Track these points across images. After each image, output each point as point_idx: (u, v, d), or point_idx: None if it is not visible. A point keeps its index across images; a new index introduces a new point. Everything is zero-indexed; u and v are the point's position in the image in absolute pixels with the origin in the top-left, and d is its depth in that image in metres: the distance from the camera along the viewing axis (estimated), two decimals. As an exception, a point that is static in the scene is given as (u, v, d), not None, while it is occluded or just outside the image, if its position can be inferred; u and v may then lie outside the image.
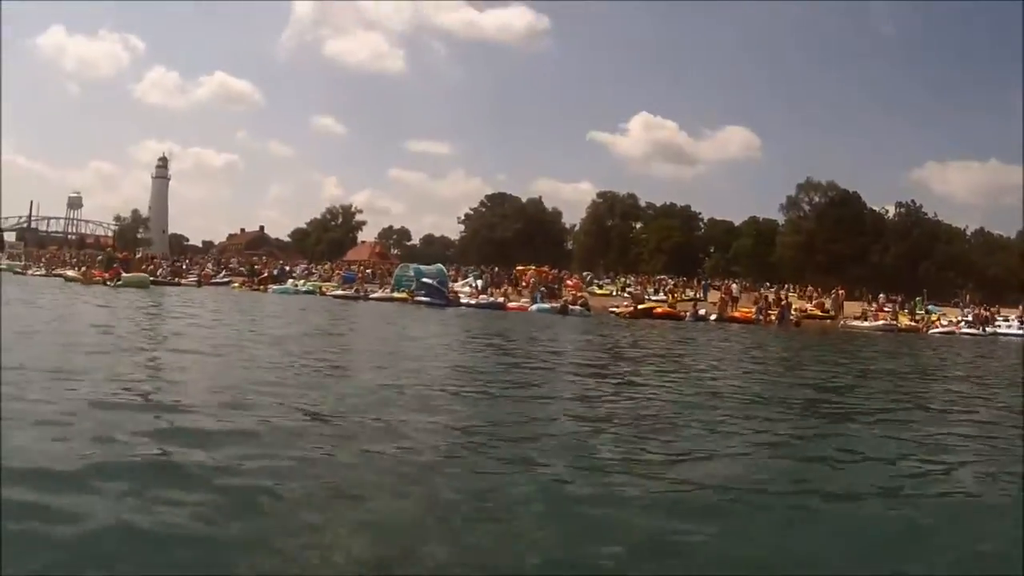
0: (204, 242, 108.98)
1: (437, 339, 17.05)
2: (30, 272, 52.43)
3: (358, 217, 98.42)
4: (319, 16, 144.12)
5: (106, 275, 39.45)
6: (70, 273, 43.88)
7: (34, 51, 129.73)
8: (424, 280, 38.31)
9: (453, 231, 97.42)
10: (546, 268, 52.38)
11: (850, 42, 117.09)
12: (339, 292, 41.70)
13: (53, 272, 49.58)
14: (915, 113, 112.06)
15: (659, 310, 35.25)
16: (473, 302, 37.32)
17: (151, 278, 44.47)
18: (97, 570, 3.04)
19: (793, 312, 37.08)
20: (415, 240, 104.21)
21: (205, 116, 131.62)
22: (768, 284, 49.90)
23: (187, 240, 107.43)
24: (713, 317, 35.36)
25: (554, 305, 36.71)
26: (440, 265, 45.69)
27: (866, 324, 36.36)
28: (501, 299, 38.43)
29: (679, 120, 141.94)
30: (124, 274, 39.10)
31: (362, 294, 40.75)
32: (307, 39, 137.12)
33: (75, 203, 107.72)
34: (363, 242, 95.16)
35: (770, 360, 17.03)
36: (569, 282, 45.85)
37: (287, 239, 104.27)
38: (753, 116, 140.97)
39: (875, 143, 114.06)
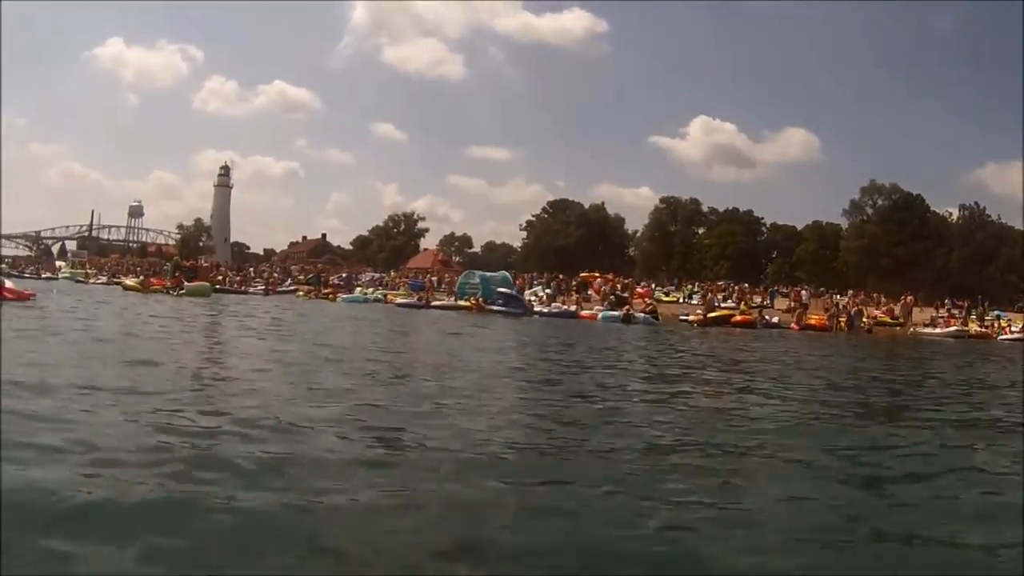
0: (265, 250, 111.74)
1: (578, 355, 15.46)
2: (92, 281, 53.46)
3: (420, 225, 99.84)
4: (376, 24, 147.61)
5: (167, 284, 40.06)
6: (128, 282, 44.55)
7: (93, 62, 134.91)
8: (501, 290, 39.09)
9: (513, 237, 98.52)
10: (611, 275, 53.29)
11: (908, 42, 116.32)
12: (402, 300, 41.99)
13: (113, 280, 50.86)
14: (974, 113, 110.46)
15: (737, 318, 35.68)
16: (546, 310, 37.81)
17: (218, 286, 45.54)
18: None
19: (864, 319, 37.52)
20: (476, 247, 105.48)
21: (264, 125, 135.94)
22: (828, 290, 50.28)
23: (248, 248, 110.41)
24: (792, 324, 35.74)
25: (618, 314, 36.48)
26: (505, 272, 46.33)
27: (937, 331, 36.42)
28: (574, 307, 39.07)
29: (738, 123, 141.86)
30: (187, 283, 39.50)
31: (424, 302, 40.76)
32: (365, 47, 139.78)
33: (136, 212, 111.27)
34: (425, 249, 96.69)
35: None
36: (640, 290, 46.56)
37: (349, 247, 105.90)
38: (812, 117, 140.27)
39: (934, 144, 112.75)
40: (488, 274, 43.80)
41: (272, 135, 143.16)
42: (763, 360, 17.00)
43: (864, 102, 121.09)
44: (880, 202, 70.36)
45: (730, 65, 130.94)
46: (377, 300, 43.69)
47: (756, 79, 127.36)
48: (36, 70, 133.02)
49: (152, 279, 44.81)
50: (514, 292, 39.17)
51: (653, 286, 52.78)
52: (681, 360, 15.77)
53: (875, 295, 44.54)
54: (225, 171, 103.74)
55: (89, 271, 62.22)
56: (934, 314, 40.40)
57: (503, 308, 36.64)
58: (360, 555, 3.56)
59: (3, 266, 62.21)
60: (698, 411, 8.41)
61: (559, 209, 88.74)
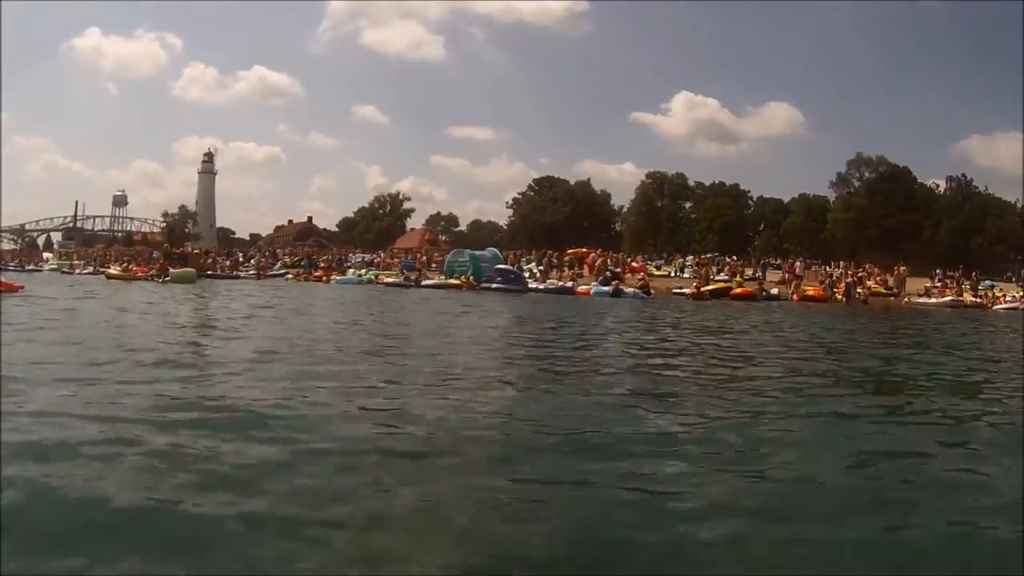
0: (251, 235, 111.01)
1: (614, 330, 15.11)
2: (77, 271, 52.81)
3: (406, 205, 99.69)
4: (355, 7, 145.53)
5: (152, 271, 39.89)
6: (112, 270, 43.76)
7: (71, 54, 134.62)
8: (500, 267, 38.96)
9: (498, 215, 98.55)
10: (599, 251, 53.21)
11: (889, 15, 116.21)
12: (391, 280, 41.98)
13: (100, 270, 49.50)
14: (956, 86, 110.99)
15: (736, 290, 35.62)
16: (541, 287, 37.68)
17: (209, 272, 45.48)
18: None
19: (859, 290, 37.60)
20: (462, 226, 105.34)
21: (245, 110, 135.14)
22: (816, 262, 50.37)
23: (233, 233, 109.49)
24: (792, 295, 35.88)
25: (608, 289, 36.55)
26: (494, 249, 46.13)
27: (932, 301, 36.57)
28: (570, 283, 38.93)
29: (720, 98, 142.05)
30: (172, 270, 38.84)
31: (415, 282, 40.68)
32: (344, 30, 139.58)
33: (120, 201, 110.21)
34: (412, 229, 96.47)
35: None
36: (634, 264, 46.50)
37: (335, 229, 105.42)
38: (795, 91, 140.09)
39: (917, 117, 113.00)
40: (477, 252, 43.76)
41: (253, 121, 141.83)
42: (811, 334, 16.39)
43: (846, 76, 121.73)
44: (867, 174, 70.76)
45: (711, 41, 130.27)
46: (370, 281, 43.34)
47: (738, 54, 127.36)
48: (15, 64, 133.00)
49: (135, 267, 44.75)
50: (514, 269, 38.93)
51: (647, 261, 52.44)
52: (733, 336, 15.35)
53: (867, 266, 44.37)
54: (209, 158, 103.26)
55: (76, 262, 61.55)
56: (928, 284, 40.40)
57: (502, 286, 36.43)
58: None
59: None
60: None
61: (545, 186, 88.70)
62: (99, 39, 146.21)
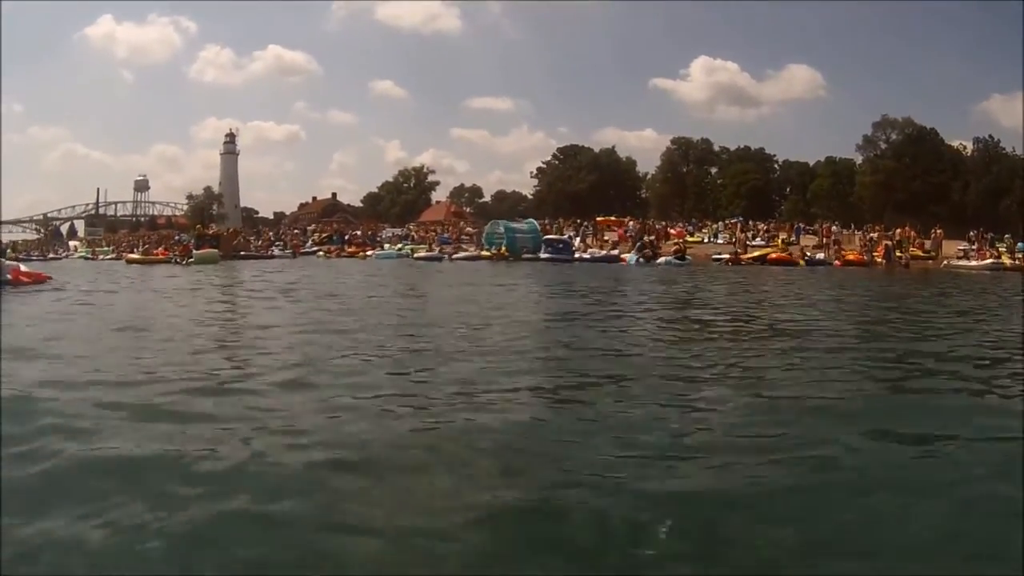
0: (275, 213, 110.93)
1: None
2: (100, 258, 53.75)
3: (431, 178, 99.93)
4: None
5: (173, 254, 40.53)
6: (133, 255, 44.56)
7: (84, 42, 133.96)
8: (549, 237, 39.70)
9: (519, 185, 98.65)
10: (630, 219, 53.78)
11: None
12: (423, 254, 42.66)
13: (123, 254, 50.40)
14: (977, 45, 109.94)
15: (773, 256, 36.05)
16: (587, 256, 38.38)
17: (242, 252, 46.63)
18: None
19: (898, 253, 37.80)
20: (486, 197, 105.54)
21: (262, 90, 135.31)
22: (852, 226, 50.36)
23: (257, 213, 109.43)
24: (835, 260, 36.15)
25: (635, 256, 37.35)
26: (532, 221, 46.84)
27: (972, 264, 36.02)
28: (615, 252, 39.44)
29: (740, 61, 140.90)
30: (195, 252, 39.46)
31: (448, 255, 41.44)
32: (358, 6, 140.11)
33: (142, 186, 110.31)
34: (437, 202, 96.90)
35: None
36: (672, 231, 46.98)
37: (359, 204, 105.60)
38: (813, 54, 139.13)
39: (939, 78, 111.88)
40: (513, 223, 44.38)
41: (271, 100, 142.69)
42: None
43: (864, 37, 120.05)
44: (894, 136, 70.53)
45: (728, 4, 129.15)
46: (408, 255, 43.88)
47: (755, 17, 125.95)
48: (29, 55, 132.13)
49: (155, 251, 45.37)
50: (564, 239, 39.64)
51: (683, 226, 52.84)
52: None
53: (903, 228, 44.31)
54: (231, 138, 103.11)
55: (100, 248, 62.47)
56: (964, 247, 40.30)
57: (552, 256, 37.10)
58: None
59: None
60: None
61: (569, 155, 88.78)
62: (112, 26, 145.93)
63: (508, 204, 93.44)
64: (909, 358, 7.66)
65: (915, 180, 65.56)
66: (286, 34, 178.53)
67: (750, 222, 52.19)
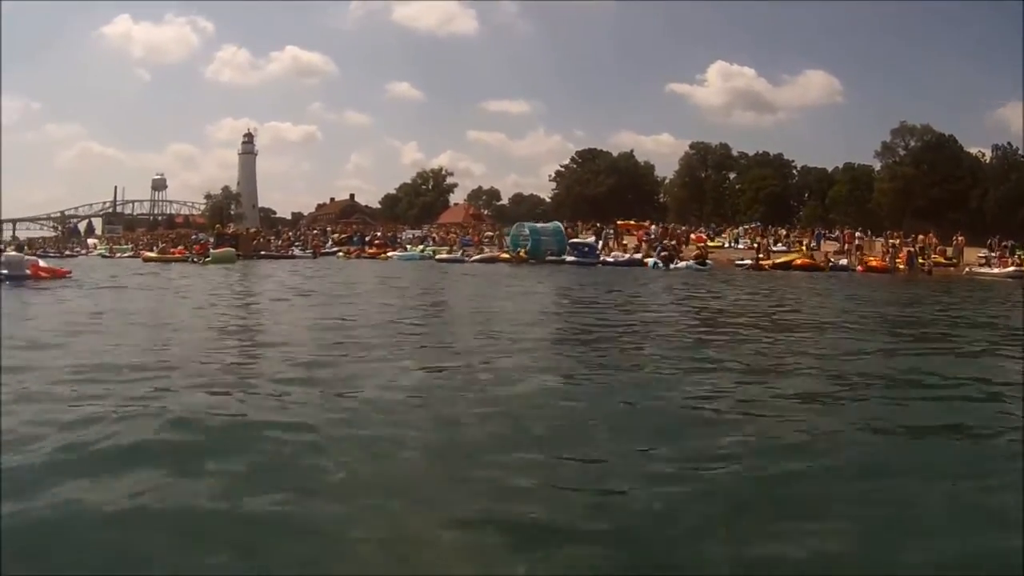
0: (293, 214, 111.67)
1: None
2: (118, 255, 54.02)
3: (449, 180, 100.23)
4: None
5: (191, 252, 40.66)
6: (149, 253, 44.89)
7: (101, 41, 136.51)
8: (575, 241, 40.08)
9: (535, 189, 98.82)
10: (649, 222, 54.13)
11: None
12: (444, 256, 42.96)
13: (139, 253, 50.36)
14: (992, 52, 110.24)
15: (801, 261, 36.27)
16: (611, 259, 38.56)
17: (263, 252, 46.79)
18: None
19: (920, 260, 38.00)
20: (504, 200, 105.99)
21: (279, 91, 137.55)
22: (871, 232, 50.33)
23: (274, 213, 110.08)
24: (858, 267, 36.33)
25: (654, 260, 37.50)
26: (557, 223, 47.11)
27: (994, 271, 35.83)
28: (638, 255, 39.72)
29: (756, 67, 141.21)
30: (212, 251, 39.78)
31: (468, 257, 41.97)
32: (375, 7, 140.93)
33: (159, 184, 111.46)
34: (455, 204, 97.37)
35: None
36: (693, 236, 47.30)
37: (376, 206, 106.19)
38: (830, 60, 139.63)
39: (953, 84, 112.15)
40: (539, 225, 44.78)
41: (288, 100, 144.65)
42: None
43: (879, 43, 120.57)
44: (912, 143, 70.42)
45: (745, 9, 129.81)
46: (430, 257, 44.17)
47: (771, 23, 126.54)
48: (46, 54, 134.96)
49: (173, 249, 45.67)
50: (590, 243, 39.99)
51: (704, 231, 53.16)
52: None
53: (926, 235, 44.32)
54: (249, 138, 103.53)
55: (117, 246, 62.97)
56: (988, 254, 40.39)
57: (578, 259, 37.46)
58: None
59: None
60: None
61: (588, 158, 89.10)
62: (129, 25, 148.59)
63: (526, 207, 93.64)
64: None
65: (934, 187, 65.51)
66: (303, 35, 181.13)
67: (770, 227, 52.49)
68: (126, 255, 52.97)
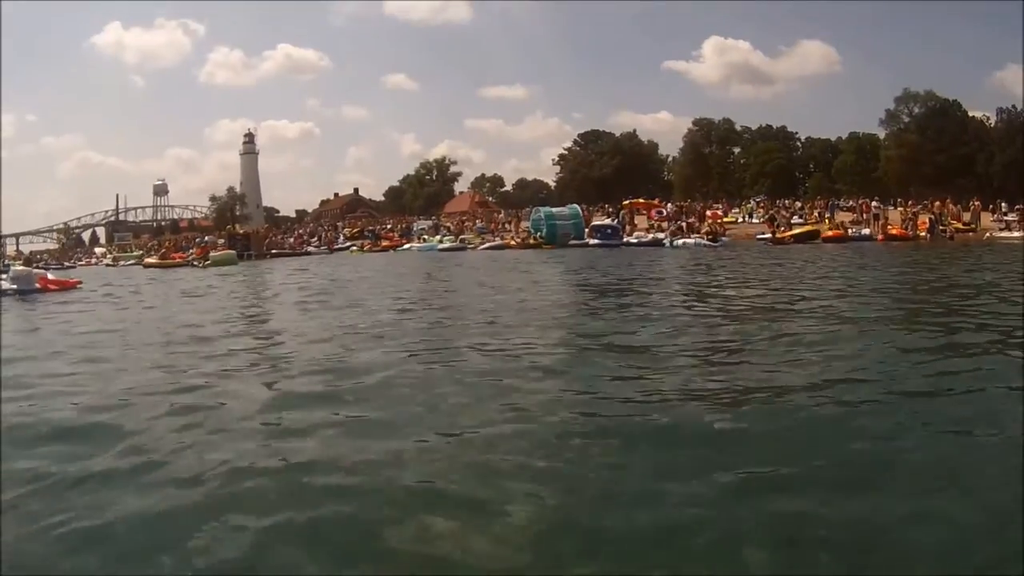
0: (297, 211, 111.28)
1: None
2: (121, 263, 52.74)
3: (453, 169, 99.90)
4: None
5: (191, 256, 40.73)
6: (149, 260, 44.47)
7: (92, 51, 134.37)
8: (598, 223, 40.23)
9: (537, 173, 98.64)
10: (656, 201, 54.44)
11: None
12: (447, 245, 43.30)
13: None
14: (989, 13, 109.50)
15: (829, 233, 36.33)
16: (634, 241, 38.76)
17: (275, 250, 46.95)
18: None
19: (940, 227, 38.07)
20: (507, 186, 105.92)
21: (275, 89, 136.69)
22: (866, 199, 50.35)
23: (278, 212, 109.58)
24: (878, 235, 36.33)
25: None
26: (575, 206, 47.25)
27: (1016, 234, 35.45)
28: (660, 235, 39.91)
29: (752, 40, 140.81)
30: (212, 254, 39.86)
31: (469, 245, 42.49)
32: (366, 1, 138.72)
33: (161, 190, 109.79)
34: (461, 193, 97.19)
35: None
36: (708, 212, 47.47)
37: (381, 199, 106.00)
38: (825, 29, 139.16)
39: (952, 48, 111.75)
40: (555, 209, 44.88)
41: (284, 98, 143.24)
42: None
43: (873, 9, 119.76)
44: (916, 110, 70.33)
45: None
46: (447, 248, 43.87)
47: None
48: (38, 66, 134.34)
49: (174, 254, 45.51)
50: (613, 224, 40.17)
51: (719, 207, 53.34)
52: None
53: (939, 202, 44.29)
54: (250, 138, 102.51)
55: (120, 254, 61.90)
56: (1006, 217, 40.44)
57: (601, 241, 37.63)
58: None
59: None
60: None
61: (591, 140, 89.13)
62: (120, 33, 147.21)
63: (530, 192, 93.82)
64: None
65: (940, 153, 65.49)
66: (295, 32, 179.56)
67: (779, 200, 52.57)
68: (129, 263, 52.36)
